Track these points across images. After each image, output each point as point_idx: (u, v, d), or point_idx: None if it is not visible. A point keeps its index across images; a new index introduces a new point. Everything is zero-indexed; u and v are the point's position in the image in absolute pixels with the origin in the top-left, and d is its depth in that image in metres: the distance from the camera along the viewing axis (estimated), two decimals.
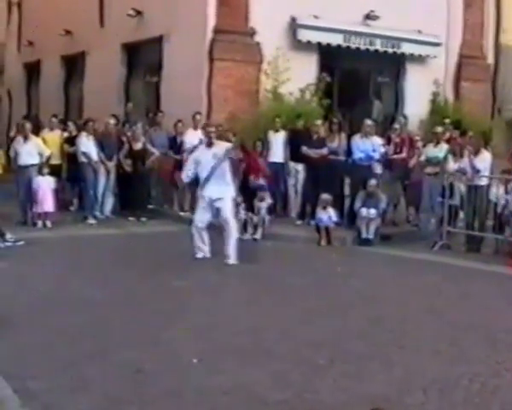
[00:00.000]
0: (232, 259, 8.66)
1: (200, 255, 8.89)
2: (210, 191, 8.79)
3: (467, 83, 16.01)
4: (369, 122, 11.95)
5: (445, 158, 11.09)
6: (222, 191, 8.77)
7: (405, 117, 14.30)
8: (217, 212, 8.85)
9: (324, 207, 10.96)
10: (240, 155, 9.51)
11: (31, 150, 11.50)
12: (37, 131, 12.78)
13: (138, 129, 12.64)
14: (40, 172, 11.48)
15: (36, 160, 11.53)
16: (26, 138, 11.64)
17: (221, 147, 9.00)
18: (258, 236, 10.78)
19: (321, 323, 6.40)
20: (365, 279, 8.40)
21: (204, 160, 8.90)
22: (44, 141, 12.21)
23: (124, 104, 15.65)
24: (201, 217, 8.88)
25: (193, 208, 12.80)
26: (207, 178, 8.80)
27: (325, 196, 11.03)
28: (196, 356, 5.26)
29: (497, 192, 10.56)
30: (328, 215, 10.89)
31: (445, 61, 15.68)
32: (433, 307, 7.16)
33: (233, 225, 8.84)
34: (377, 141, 11.82)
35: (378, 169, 11.83)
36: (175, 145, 12.87)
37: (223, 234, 8.80)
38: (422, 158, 11.64)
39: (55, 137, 13.00)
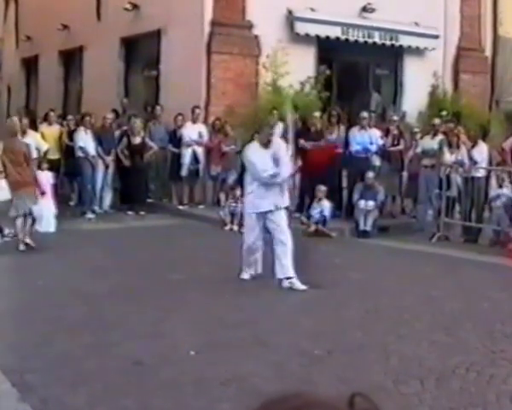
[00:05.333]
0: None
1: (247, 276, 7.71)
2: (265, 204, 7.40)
3: (465, 75, 16.01)
4: (364, 114, 11.96)
5: (440, 149, 11.11)
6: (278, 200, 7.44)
7: (394, 110, 14.34)
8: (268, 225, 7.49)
9: (319, 200, 10.98)
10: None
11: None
12: (33, 125, 12.78)
13: (136, 123, 12.63)
14: (39, 167, 11.46)
15: (34, 154, 11.51)
16: (23, 133, 11.63)
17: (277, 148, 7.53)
18: None
19: (319, 314, 6.43)
20: (363, 271, 8.42)
21: (261, 162, 7.39)
22: (43, 135, 12.22)
23: (123, 98, 15.65)
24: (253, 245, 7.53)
25: (191, 202, 12.97)
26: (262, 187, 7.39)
27: (322, 188, 11.04)
28: (194, 348, 5.29)
29: (496, 185, 10.60)
30: (320, 209, 10.91)
31: (443, 53, 15.66)
32: (431, 298, 7.19)
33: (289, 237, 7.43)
34: (376, 133, 11.83)
35: (377, 161, 11.85)
36: (174, 139, 12.89)
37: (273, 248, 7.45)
38: (419, 150, 11.67)
39: (53, 131, 13.00)
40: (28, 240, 9.04)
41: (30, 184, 8.97)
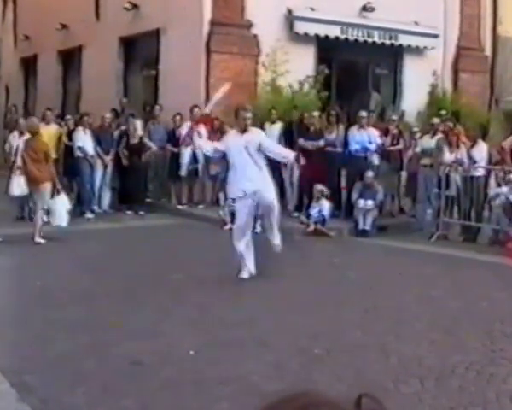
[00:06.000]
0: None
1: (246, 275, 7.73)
2: (247, 186, 7.52)
3: (465, 74, 16.00)
4: (363, 114, 11.97)
5: (438, 148, 11.10)
6: (260, 182, 7.56)
7: (393, 109, 14.39)
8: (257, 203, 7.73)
9: (318, 199, 11.02)
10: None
11: None
12: None
13: (135, 124, 12.61)
14: None
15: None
16: (21, 133, 11.63)
17: (256, 135, 7.72)
18: (257, 229, 10.77)
19: (318, 313, 6.42)
20: (362, 270, 8.41)
21: (235, 148, 7.59)
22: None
23: (122, 98, 15.65)
24: (245, 226, 7.69)
25: (190, 202, 12.96)
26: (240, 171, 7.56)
27: (319, 187, 11.07)
28: (193, 348, 5.28)
29: (495, 184, 10.60)
30: (319, 208, 10.94)
31: (442, 52, 15.66)
32: (430, 297, 7.18)
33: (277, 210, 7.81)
34: (374, 132, 11.84)
35: (375, 160, 11.86)
36: (173, 138, 12.88)
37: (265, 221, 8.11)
38: (418, 149, 11.66)
39: (50, 131, 12.95)
40: (38, 239, 9.55)
41: (48, 180, 9.68)
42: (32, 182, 9.71)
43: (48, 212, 9.78)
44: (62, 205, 9.89)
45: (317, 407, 0.95)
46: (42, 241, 9.50)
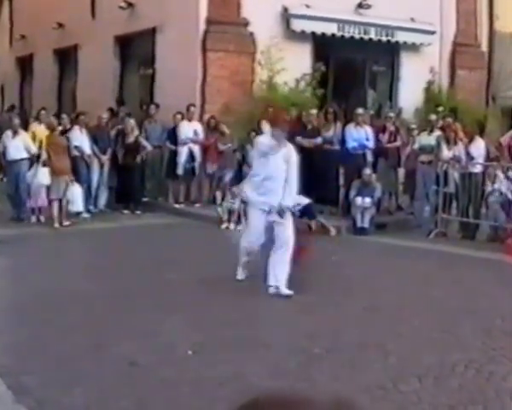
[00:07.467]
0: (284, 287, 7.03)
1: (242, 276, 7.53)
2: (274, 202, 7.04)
3: (462, 71, 15.98)
4: (360, 111, 11.95)
5: (438, 145, 11.08)
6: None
7: (390, 106, 14.38)
8: (271, 228, 7.13)
9: None
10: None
11: (18, 145, 11.42)
12: (26, 125, 12.76)
13: (129, 123, 12.57)
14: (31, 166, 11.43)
15: (24, 154, 11.43)
16: (15, 133, 11.57)
17: (292, 153, 7.18)
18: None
19: (316, 312, 6.40)
20: (361, 268, 8.40)
21: (273, 162, 7.04)
22: (34, 135, 12.09)
23: (118, 97, 15.62)
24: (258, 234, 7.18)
25: (187, 200, 12.92)
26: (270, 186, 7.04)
27: None
28: (192, 348, 5.26)
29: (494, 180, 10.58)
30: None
31: (439, 49, 15.64)
32: (429, 295, 7.16)
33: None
34: (368, 130, 11.84)
35: (369, 157, 11.86)
36: (173, 136, 12.85)
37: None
38: (416, 146, 11.64)
39: (44, 130, 12.87)
40: (66, 222, 10.82)
41: (66, 172, 11.00)
42: (53, 173, 10.87)
43: (67, 200, 11.06)
44: (78, 194, 11.24)
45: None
46: (58, 226, 10.66)
